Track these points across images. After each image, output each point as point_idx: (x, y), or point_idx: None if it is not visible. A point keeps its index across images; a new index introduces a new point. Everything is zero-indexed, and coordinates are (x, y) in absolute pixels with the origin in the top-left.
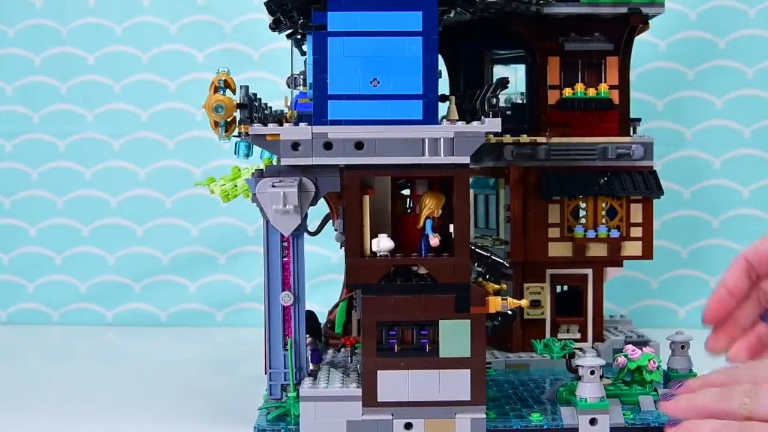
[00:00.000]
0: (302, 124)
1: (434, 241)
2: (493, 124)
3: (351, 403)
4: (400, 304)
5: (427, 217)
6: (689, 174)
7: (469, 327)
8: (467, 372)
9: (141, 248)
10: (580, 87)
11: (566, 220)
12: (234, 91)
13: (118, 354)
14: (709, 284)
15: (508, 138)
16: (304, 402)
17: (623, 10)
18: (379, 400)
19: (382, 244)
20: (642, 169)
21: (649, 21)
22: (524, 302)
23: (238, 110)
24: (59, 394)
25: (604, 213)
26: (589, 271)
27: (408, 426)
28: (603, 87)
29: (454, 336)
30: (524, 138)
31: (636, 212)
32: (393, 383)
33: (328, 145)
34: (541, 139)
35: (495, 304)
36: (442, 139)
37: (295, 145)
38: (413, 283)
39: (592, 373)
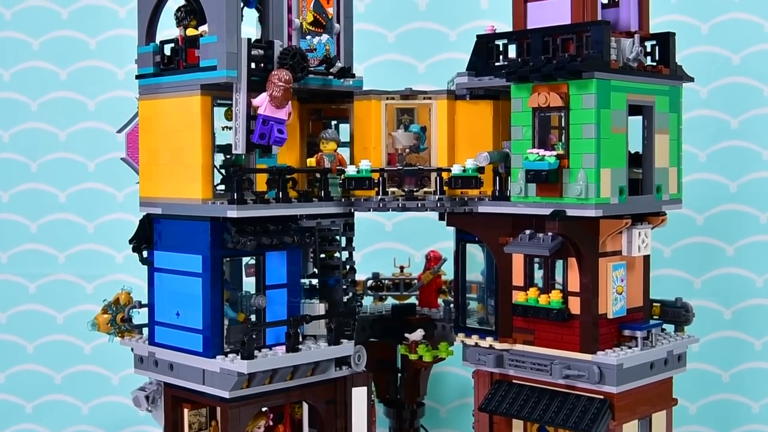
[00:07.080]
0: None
1: None
2: (240, 365)
3: None
4: None
5: None
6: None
7: None
8: None
9: (116, 398)
10: (532, 293)
11: None
12: (124, 305)
13: None
14: None
15: (470, 340)
16: None
17: (545, 211)
18: None
19: None
20: (602, 395)
21: None
22: None
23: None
24: None
25: None
26: None
27: None
28: (555, 295)
29: None
30: (484, 342)
31: None
32: None
33: (156, 363)
34: (501, 345)
35: None
36: (210, 372)
37: (141, 359)
38: None
39: None
